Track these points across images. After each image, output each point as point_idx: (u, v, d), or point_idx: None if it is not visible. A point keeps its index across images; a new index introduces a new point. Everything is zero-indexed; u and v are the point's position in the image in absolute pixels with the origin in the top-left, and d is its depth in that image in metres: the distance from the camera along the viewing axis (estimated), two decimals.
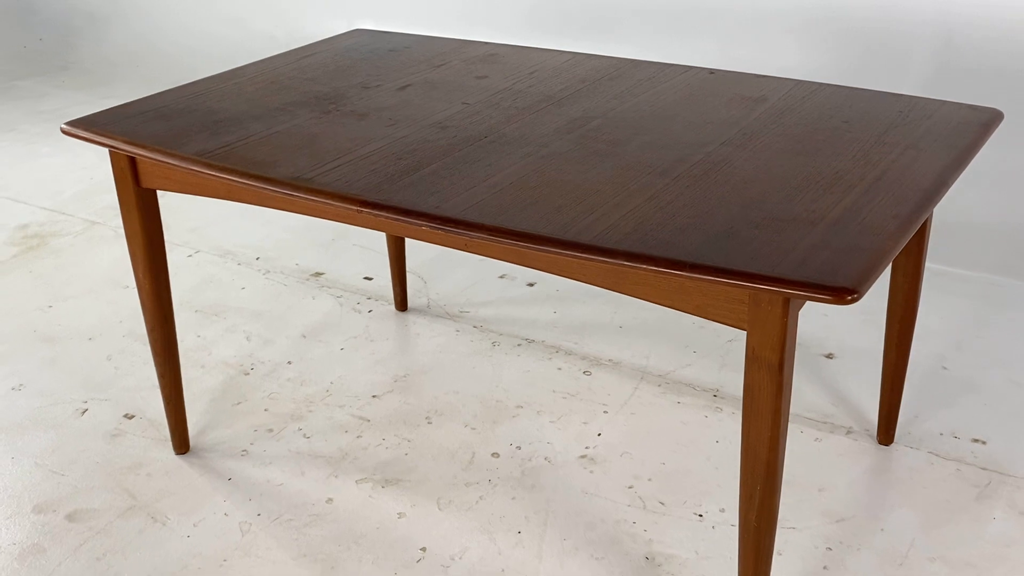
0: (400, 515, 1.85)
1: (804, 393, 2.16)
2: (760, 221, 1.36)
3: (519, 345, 2.37)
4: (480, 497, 1.89)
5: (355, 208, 1.47)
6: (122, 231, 2.99)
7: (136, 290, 2.64)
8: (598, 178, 1.50)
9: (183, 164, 1.63)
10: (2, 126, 3.92)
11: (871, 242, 1.30)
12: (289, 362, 2.32)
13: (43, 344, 2.42)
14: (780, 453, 1.36)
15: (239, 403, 2.18)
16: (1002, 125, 3.11)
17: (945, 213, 2.93)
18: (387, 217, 1.45)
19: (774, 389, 1.32)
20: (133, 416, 2.15)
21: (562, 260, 1.39)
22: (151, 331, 1.91)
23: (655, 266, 1.28)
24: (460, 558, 1.75)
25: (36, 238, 2.97)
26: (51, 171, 3.46)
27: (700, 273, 1.26)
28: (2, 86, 4.38)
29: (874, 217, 1.36)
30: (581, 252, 1.32)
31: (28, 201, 3.22)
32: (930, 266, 2.66)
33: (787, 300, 1.27)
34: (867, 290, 1.21)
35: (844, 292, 1.20)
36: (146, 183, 1.78)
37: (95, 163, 3.48)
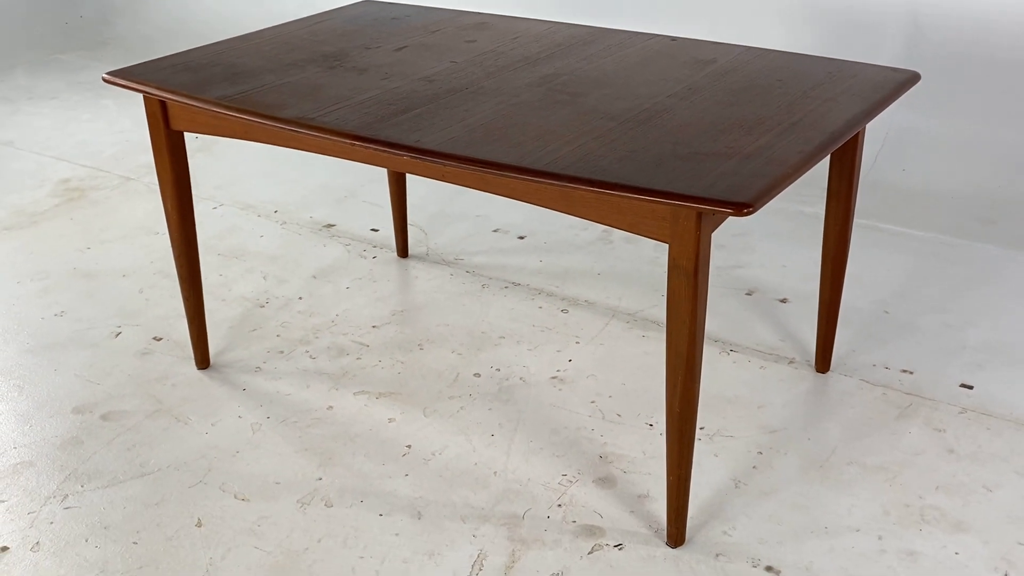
0: (390, 420, 2.12)
1: (757, 330, 2.42)
2: (686, 155, 1.62)
3: (506, 288, 2.63)
4: (461, 408, 2.16)
5: (349, 142, 1.74)
6: (154, 186, 3.29)
7: (165, 236, 2.94)
8: (556, 121, 1.76)
9: (206, 106, 1.90)
10: (46, 94, 4.23)
11: (773, 170, 1.55)
12: (300, 298, 2.60)
13: (82, 279, 2.72)
14: (698, 347, 1.62)
15: (254, 330, 2.46)
16: (961, 100, 3.36)
17: (909, 180, 3.17)
18: (375, 149, 1.72)
19: (690, 292, 1.58)
20: (161, 339, 2.43)
21: (519, 185, 1.66)
22: (177, 257, 2.19)
23: (592, 187, 1.54)
24: (440, 454, 2.02)
25: (76, 191, 3.27)
26: (90, 134, 3.76)
27: (628, 193, 1.52)
28: (46, 59, 4.69)
29: (782, 152, 1.62)
30: (532, 176, 1.58)
31: (70, 160, 3.52)
32: (891, 227, 2.91)
33: (699, 215, 1.53)
34: (761, 206, 1.47)
35: (742, 206, 1.46)
36: (175, 125, 2.06)
37: (130, 128, 3.77)
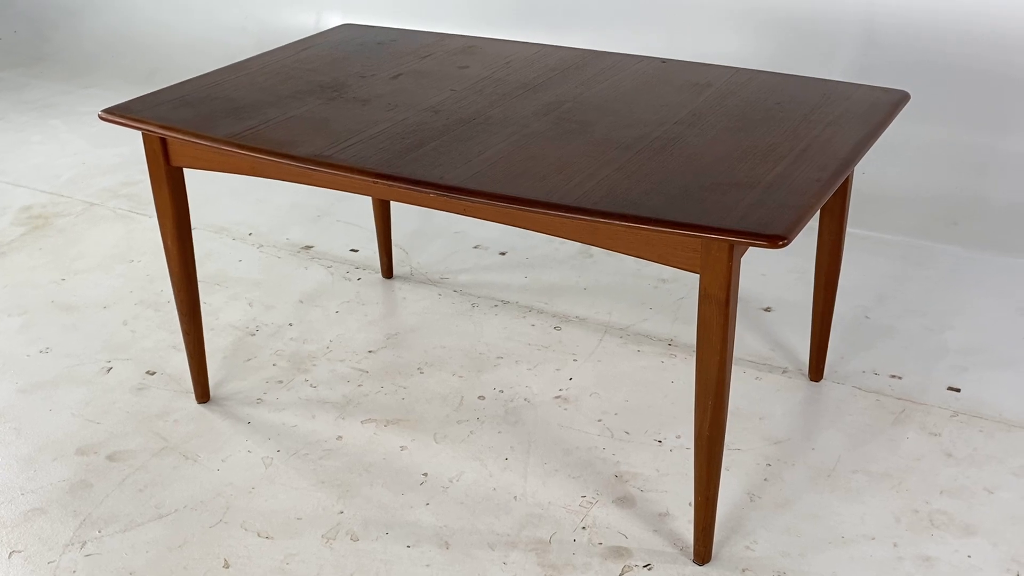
0: (403, 448, 2.14)
1: (746, 340, 2.48)
2: (709, 185, 1.66)
3: (496, 306, 2.66)
4: (471, 432, 2.18)
5: (371, 180, 1.74)
6: (119, 211, 3.24)
7: (141, 264, 2.90)
8: (573, 153, 1.79)
9: (216, 145, 1.89)
10: None
11: (797, 200, 1.60)
12: (290, 324, 2.59)
13: (62, 312, 2.67)
14: (727, 373, 1.67)
15: (249, 360, 2.45)
16: (917, 106, 3.47)
17: (872, 185, 3.27)
18: (400, 187, 1.73)
19: (722, 320, 1.62)
20: (154, 372, 2.40)
21: (546, 219, 1.68)
22: (178, 293, 2.17)
23: (626, 222, 1.58)
24: (457, 480, 2.04)
25: (40, 218, 3.20)
26: (44, 157, 3.68)
27: (663, 227, 1.56)
28: None
29: (800, 181, 1.67)
30: (565, 213, 1.61)
31: (27, 185, 3.44)
32: (858, 231, 3.00)
33: (732, 247, 1.57)
34: (794, 237, 1.52)
35: (777, 239, 1.51)
36: (175, 162, 2.04)
37: (85, 149, 3.70)
